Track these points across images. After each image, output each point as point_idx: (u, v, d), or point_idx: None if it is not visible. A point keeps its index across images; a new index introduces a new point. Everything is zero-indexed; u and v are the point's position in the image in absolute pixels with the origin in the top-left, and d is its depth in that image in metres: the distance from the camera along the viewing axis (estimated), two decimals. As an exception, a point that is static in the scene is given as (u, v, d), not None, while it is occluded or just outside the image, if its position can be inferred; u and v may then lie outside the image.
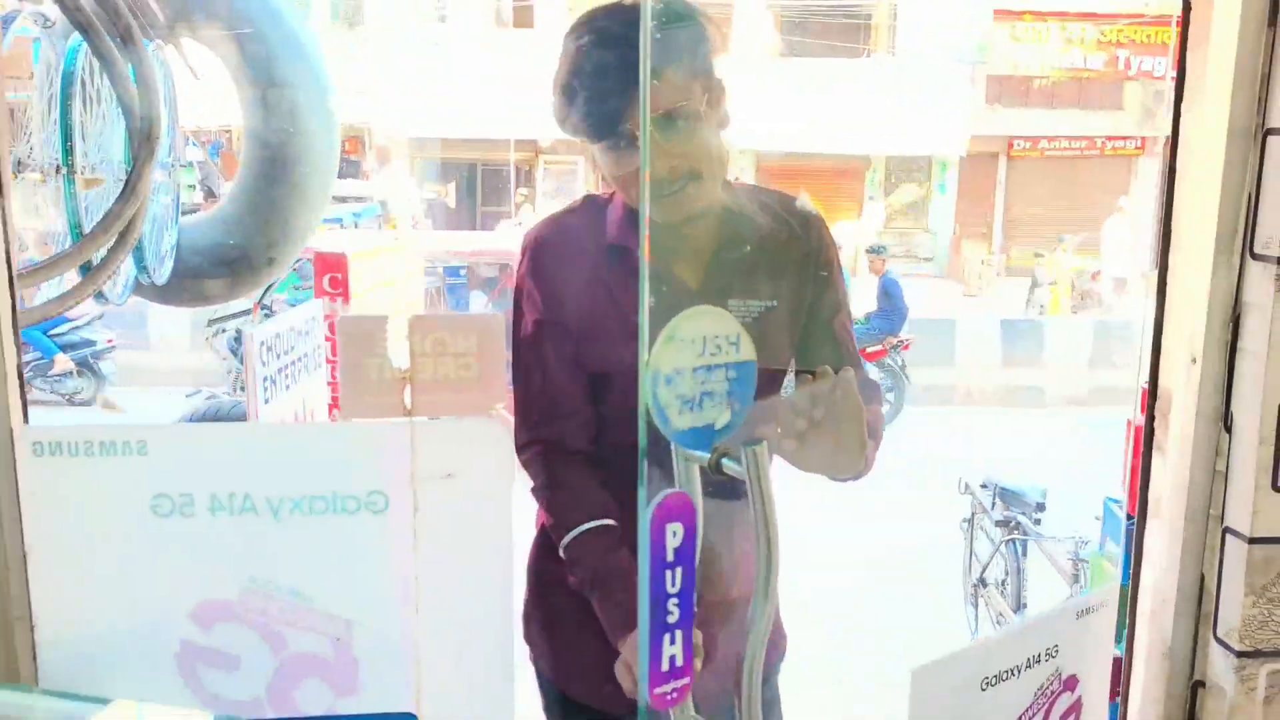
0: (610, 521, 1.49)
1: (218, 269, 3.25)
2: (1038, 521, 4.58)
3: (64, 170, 2.44)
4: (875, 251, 9.36)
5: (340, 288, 3.99)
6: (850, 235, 13.79)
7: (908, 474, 6.70)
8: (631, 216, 1.46)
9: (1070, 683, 1.68)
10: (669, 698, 1.17)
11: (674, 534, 1.15)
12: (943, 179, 17.94)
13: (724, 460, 1.20)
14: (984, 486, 4.89)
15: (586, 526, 1.48)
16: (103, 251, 2.39)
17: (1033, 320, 11.77)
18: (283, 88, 3.35)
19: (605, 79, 1.34)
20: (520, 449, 1.54)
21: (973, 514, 4.96)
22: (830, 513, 6.05)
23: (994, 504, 4.76)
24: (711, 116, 1.40)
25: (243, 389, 6.32)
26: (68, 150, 2.45)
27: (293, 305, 6.36)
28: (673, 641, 1.17)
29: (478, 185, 18.61)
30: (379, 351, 1.59)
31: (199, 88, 3.38)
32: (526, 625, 1.67)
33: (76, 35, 2.52)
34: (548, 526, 1.56)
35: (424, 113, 15.27)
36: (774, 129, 15.90)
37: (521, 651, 1.63)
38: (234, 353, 7.51)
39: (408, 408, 1.76)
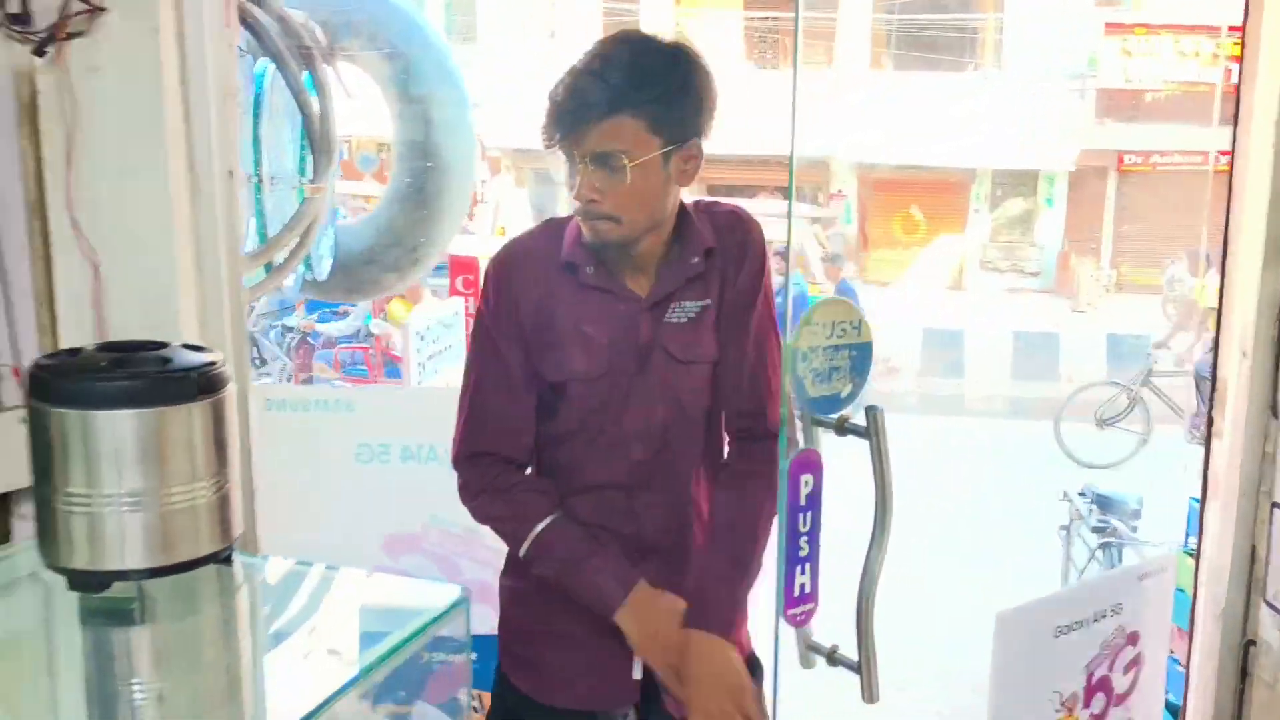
0: (560, 515, 1.55)
1: (370, 267, 3.62)
2: (1134, 529, 4.68)
3: (253, 179, 2.80)
4: (831, 260, 9.58)
5: (472, 288, 4.34)
6: (955, 248, 13.78)
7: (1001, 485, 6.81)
8: (581, 233, 1.55)
9: (1132, 638, 1.87)
10: (798, 618, 1.45)
11: (806, 483, 1.44)
12: (1050, 193, 17.72)
13: (846, 424, 1.48)
14: (1081, 494, 5.00)
15: (545, 523, 1.53)
16: (285, 252, 2.75)
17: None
18: (429, 103, 3.69)
19: (558, 105, 1.44)
20: (463, 459, 1.58)
21: (1070, 520, 5.07)
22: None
23: (1090, 511, 4.87)
24: (663, 172, 1.46)
25: (289, 379, 6.79)
26: (257, 162, 2.81)
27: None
28: (803, 572, 1.45)
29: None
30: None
31: (351, 104, 3.74)
32: (502, 643, 1.68)
33: (264, 60, 2.89)
34: (503, 536, 1.60)
35: (531, 125, 15.72)
36: (878, 142, 15.96)
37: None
38: (280, 345, 8.07)
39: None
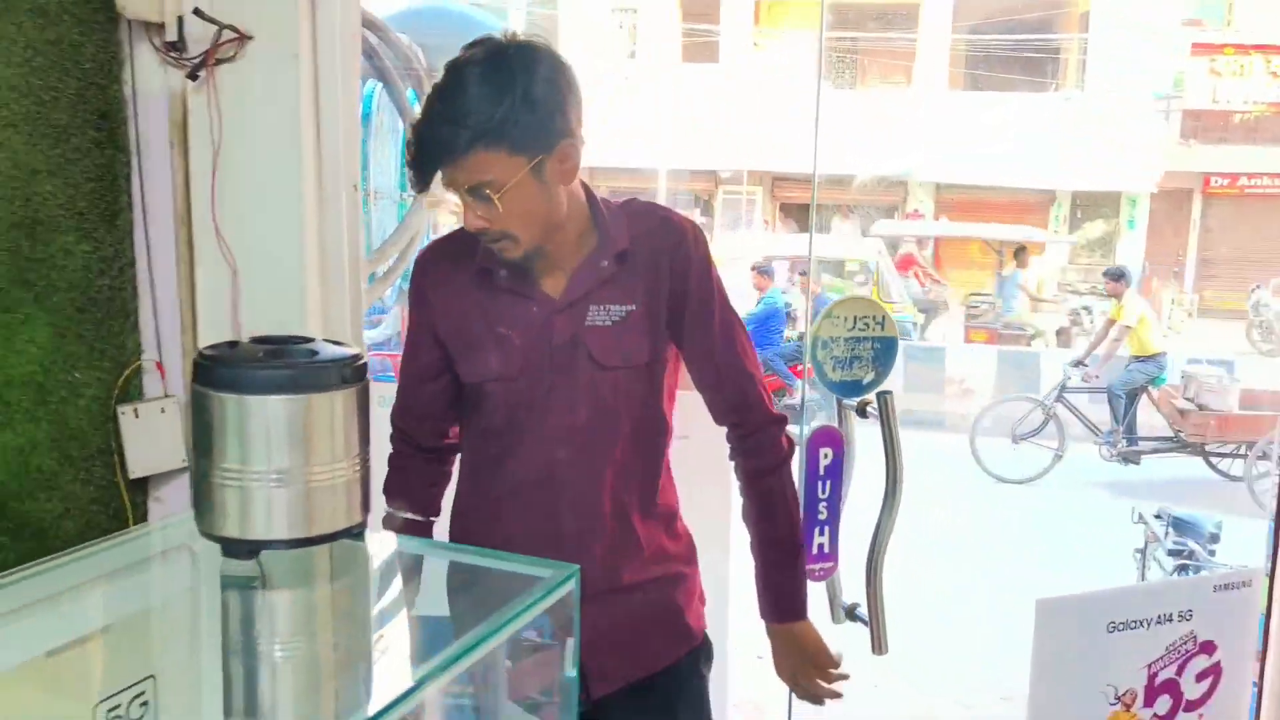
0: (423, 520, 1.69)
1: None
2: (1212, 552, 4.64)
3: (361, 193, 2.98)
4: (761, 271, 9.71)
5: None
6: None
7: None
8: None
9: (1207, 647, 1.93)
10: (817, 574, 1.63)
11: (825, 455, 1.62)
12: (1132, 215, 17.43)
13: (867, 407, 1.65)
14: (1158, 517, 4.97)
15: (404, 515, 1.68)
16: (388, 263, 2.92)
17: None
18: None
19: (427, 148, 1.45)
20: (392, 432, 1.72)
21: (1145, 544, 5.04)
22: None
23: (1166, 533, 4.84)
24: (538, 180, 1.46)
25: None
26: (365, 177, 2.99)
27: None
28: (821, 534, 1.63)
29: (657, 213, 19.19)
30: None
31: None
32: None
33: (372, 80, 3.07)
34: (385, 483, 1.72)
35: (610, 144, 15.97)
36: (955, 162, 15.88)
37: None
38: None
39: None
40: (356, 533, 1.50)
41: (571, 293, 1.56)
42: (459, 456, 1.72)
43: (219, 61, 1.87)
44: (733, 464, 1.67)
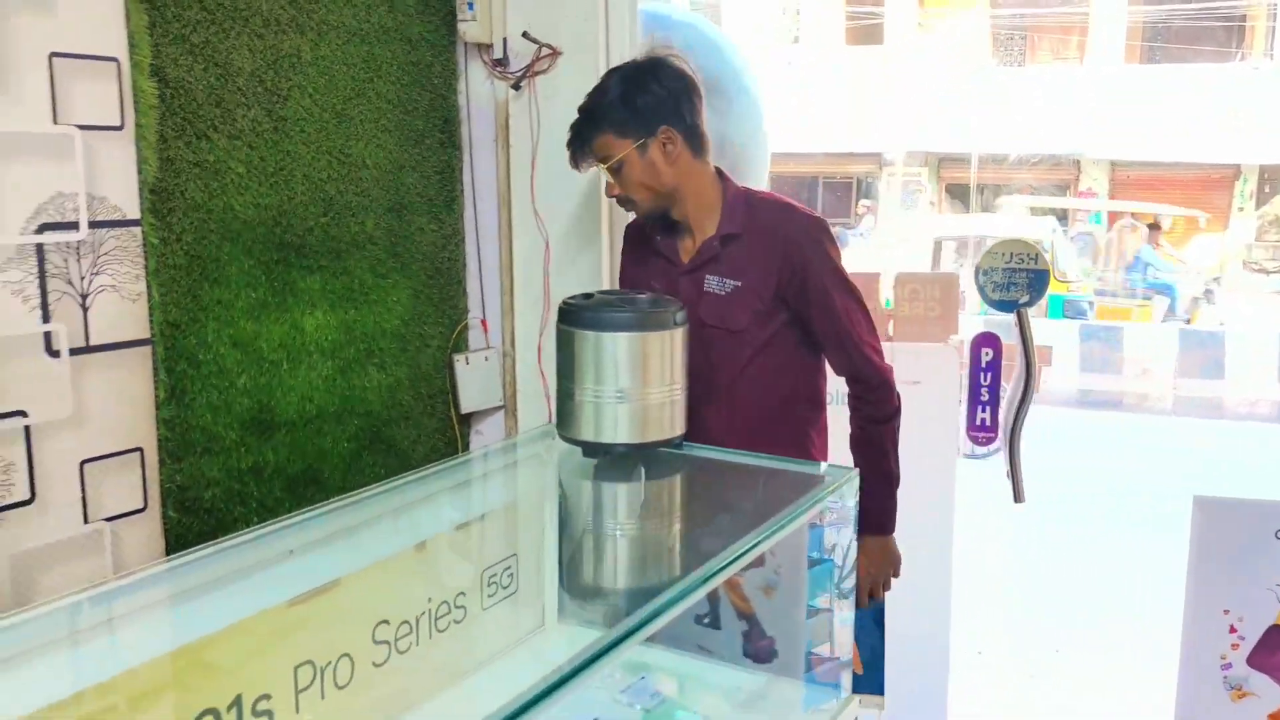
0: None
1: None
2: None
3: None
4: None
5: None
6: (1216, 247, 13.21)
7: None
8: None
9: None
10: (981, 440, 2.38)
11: (986, 354, 2.25)
12: (1326, 189, 16.53)
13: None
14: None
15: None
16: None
17: None
18: (727, 115, 4.22)
19: (573, 140, 1.95)
20: None
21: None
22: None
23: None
24: (645, 159, 1.90)
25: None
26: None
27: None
28: (983, 410, 2.28)
29: (818, 197, 19.29)
30: (874, 296, 2.38)
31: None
32: None
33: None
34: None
35: (777, 129, 16.15)
36: (1130, 139, 15.43)
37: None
38: None
39: (890, 335, 2.56)
40: (677, 443, 1.92)
41: (693, 262, 1.99)
42: None
43: (536, 73, 2.32)
44: (850, 409, 2.03)
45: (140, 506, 1.79)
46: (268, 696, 1.43)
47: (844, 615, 1.97)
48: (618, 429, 1.85)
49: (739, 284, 1.96)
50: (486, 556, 1.93)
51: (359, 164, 2.18)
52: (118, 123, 1.69)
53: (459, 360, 2.45)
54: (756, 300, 1.96)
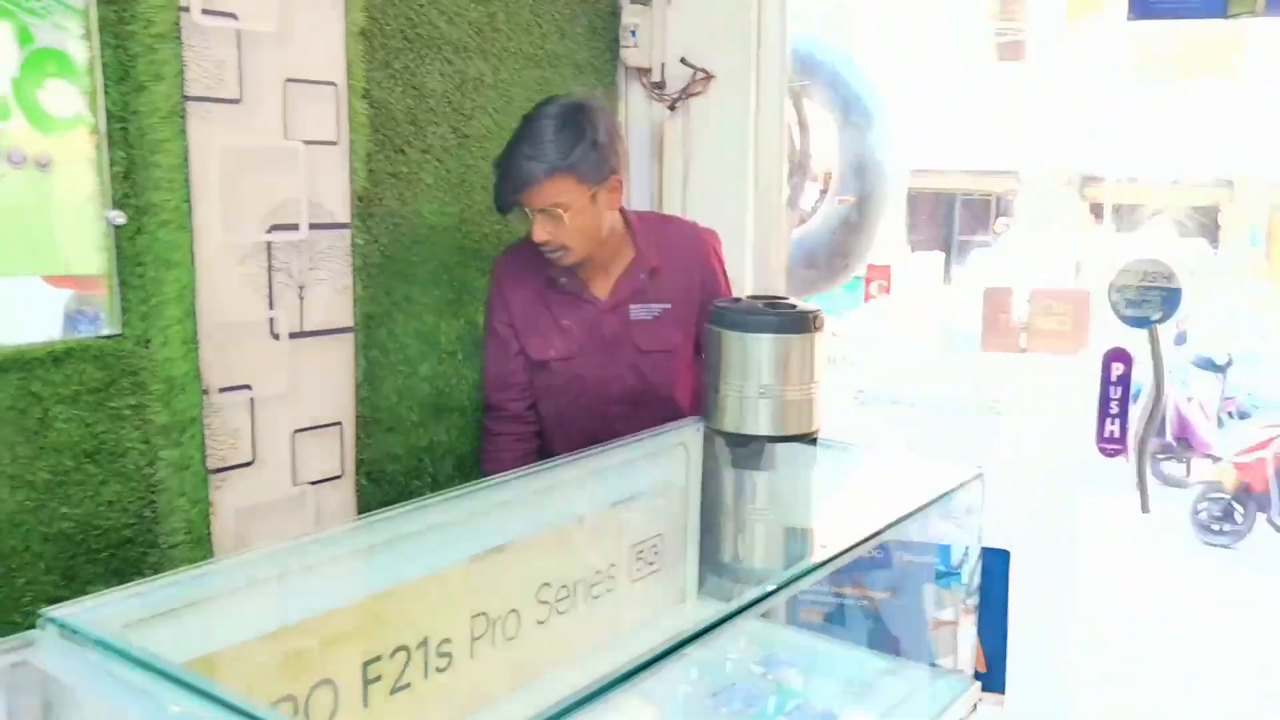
0: None
1: (809, 270, 4.35)
2: None
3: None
4: None
5: (885, 292, 5.04)
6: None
7: None
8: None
9: None
10: (1109, 452, 2.47)
11: (1116, 369, 2.37)
12: None
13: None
14: None
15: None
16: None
17: None
18: (864, 129, 4.36)
19: (501, 175, 1.94)
20: (485, 406, 2.23)
21: None
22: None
23: None
24: (594, 206, 1.94)
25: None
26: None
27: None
28: (1112, 423, 2.43)
29: (955, 214, 19.02)
30: (1006, 310, 2.49)
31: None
32: None
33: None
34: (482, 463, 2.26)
35: (917, 147, 16.04)
36: (1291, 158, 14.74)
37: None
38: None
39: (1022, 347, 2.66)
40: (811, 438, 2.08)
41: (615, 298, 2.09)
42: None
43: (691, 95, 2.51)
44: None
45: (338, 474, 2.05)
46: (448, 640, 1.65)
47: (967, 627, 2.09)
48: (759, 422, 2.02)
49: (667, 306, 2.12)
50: (636, 534, 2.12)
51: (529, 177, 2.41)
52: (334, 138, 1.95)
53: (610, 358, 2.66)
54: (682, 320, 2.14)
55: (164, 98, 1.69)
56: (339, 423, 2.05)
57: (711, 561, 2.18)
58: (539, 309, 2.10)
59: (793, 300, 2.12)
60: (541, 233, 1.93)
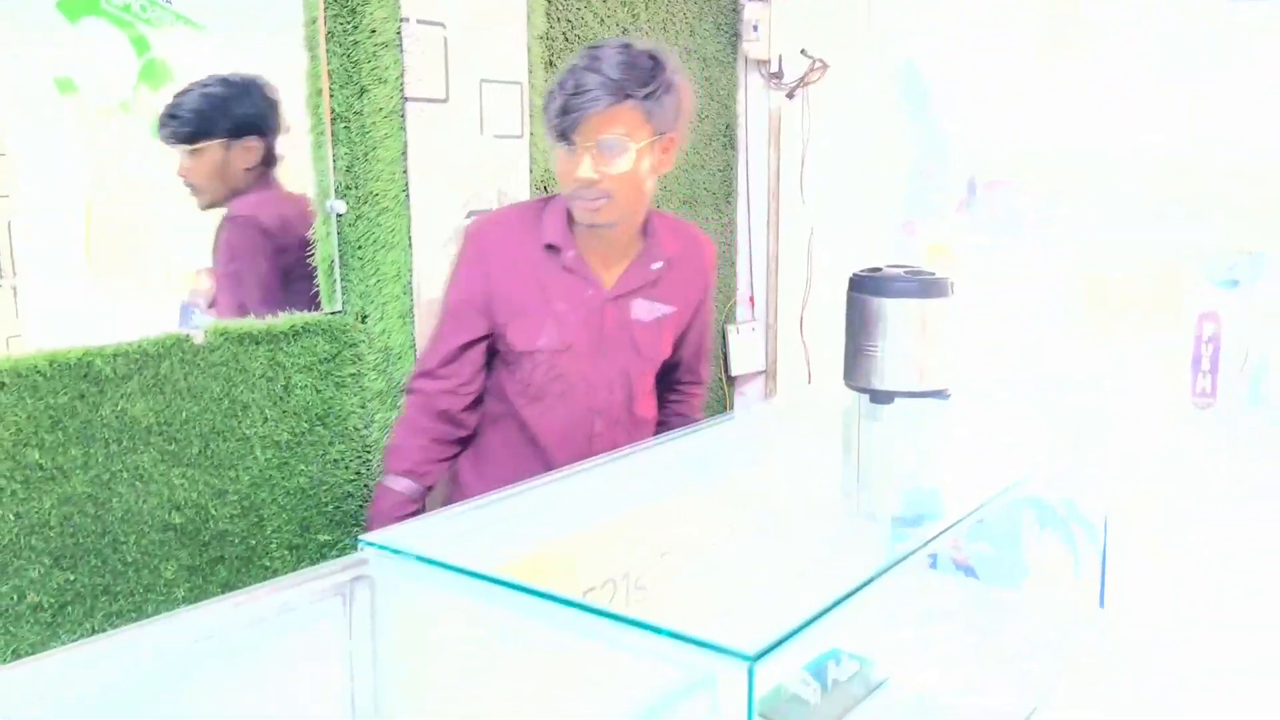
0: (419, 493, 1.84)
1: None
2: None
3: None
4: None
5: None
6: None
7: None
8: (566, 221, 1.77)
9: None
10: (1200, 405, 2.57)
11: (1207, 328, 2.40)
12: None
13: None
14: None
15: (400, 489, 1.82)
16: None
17: None
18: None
19: (568, 96, 1.62)
20: (409, 387, 1.87)
21: None
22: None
23: None
24: (649, 158, 1.68)
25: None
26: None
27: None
28: (1202, 378, 2.61)
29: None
30: (1104, 283, 2.66)
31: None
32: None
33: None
34: (387, 447, 1.90)
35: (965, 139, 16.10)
36: None
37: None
38: None
39: (1118, 315, 2.84)
40: (944, 395, 2.28)
41: (622, 286, 1.79)
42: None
43: (807, 84, 2.72)
44: (675, 406, 2.06)
45: (519, 434, 2.27)
46: (642, 575, 1.87)
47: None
48: (899, 379, 2.23)
49: (670, 310, 1.86)
50: (791, 481, 2.34)
51: (664, 163, 2.63)
52: (519, 132, 2.17)
53: (730, 330, 2.87)
54: (674, 329, 1.91)
55: (386, 98, 1.91)
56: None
57: (854, 510, 2.40)
58: (530, 286, 1.75)
59: (929, 269, 2.33)
60: (594, 169, 1.63)
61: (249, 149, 1.86)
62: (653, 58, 1.67)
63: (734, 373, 2.90)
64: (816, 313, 2.79)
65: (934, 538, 1.68)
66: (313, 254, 1.93)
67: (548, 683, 1.43)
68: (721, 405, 2.92)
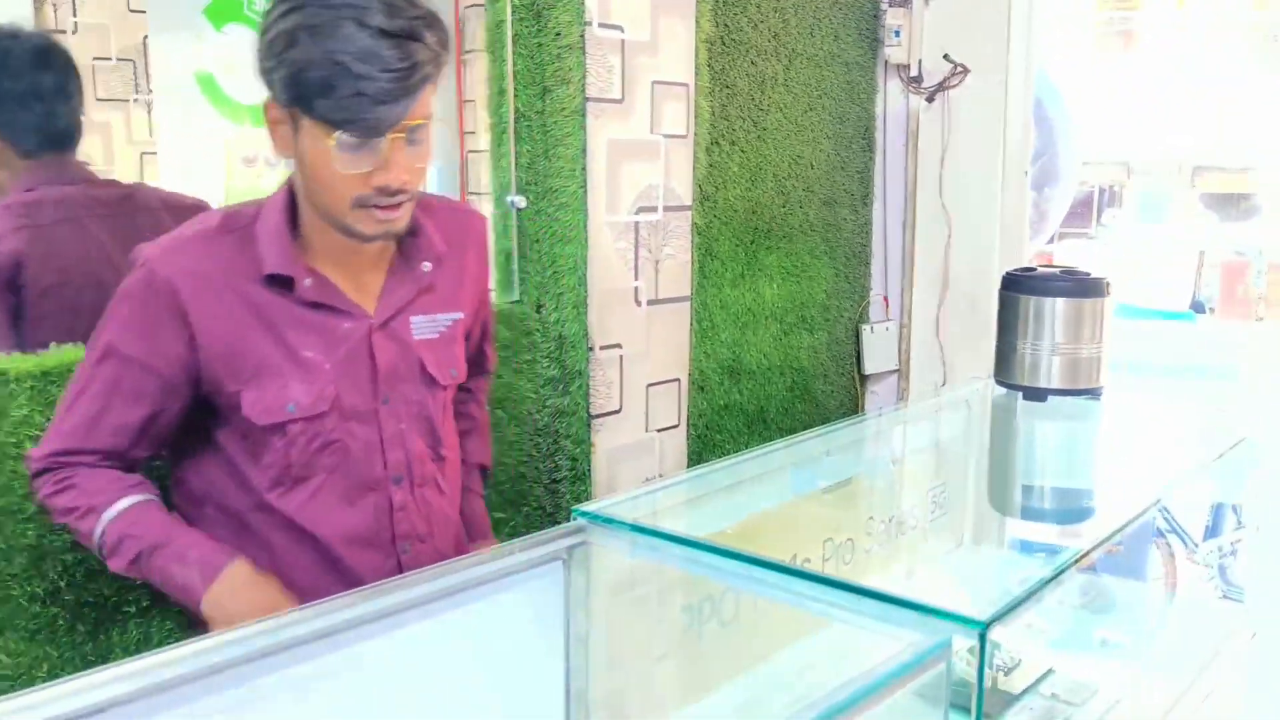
0: (149, 496, 1.29)
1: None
2: None
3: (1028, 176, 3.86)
4: None
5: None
6: None
7: None
8: (294, 241, 1.28)
9: None
10: None
11: None
12: None
13: None
14: None
15: (127, 501, 1.26)
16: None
17: None
18: (1047, 120, 4.55)
19: (403, 75, 1.16)
20: (43, 458, 1.28)
21: None
22: None
23: None
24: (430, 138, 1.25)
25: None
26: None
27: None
28: None
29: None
30: (1244, 281, 2.68)
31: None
32: None
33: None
34: (78, 532, 1.28)
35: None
36: None
37: None
38: None
39: (1260, 316, 2.86)
40: (1097, 393, 2.32)
41: (390, 304, 1.34)
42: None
43: (947, 88, 2.77)
44: (467, 410, 1.58)
45: (675, 423, 2.35)
46: (808, 559, 1.93)
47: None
48: (1052, 376, 2.27)
49: (458, 316, 1.42)
50: (930, 480, 2.39)
51: (807, 165, 2.69)
52: (684, 132, 2.25)
53: (865, 329, 2.92)
54: (465, 332, 1.46)
55: (569, 99, 2.01)
56: (677, 379, 2.35)
57: (998, 508, 2.44)
58: (257, 335, 1.26)
59: (1083, 269, 2.36)
60: (403, 169, 1.22)
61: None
62: (429, 12, 1.21)
63: (867, 371, 2.94)
64: (952, 312, 2.83)
65: (1117, 530, 1.71)
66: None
67: (759, 649, 1.51)
68: (854, 404, 2.97)
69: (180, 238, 1.28)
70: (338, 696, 1.19)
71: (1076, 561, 1.43)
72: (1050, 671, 1.96)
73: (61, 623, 1.49)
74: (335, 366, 1.29)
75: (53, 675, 1.46)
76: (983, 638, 1.19)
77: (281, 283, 1.26)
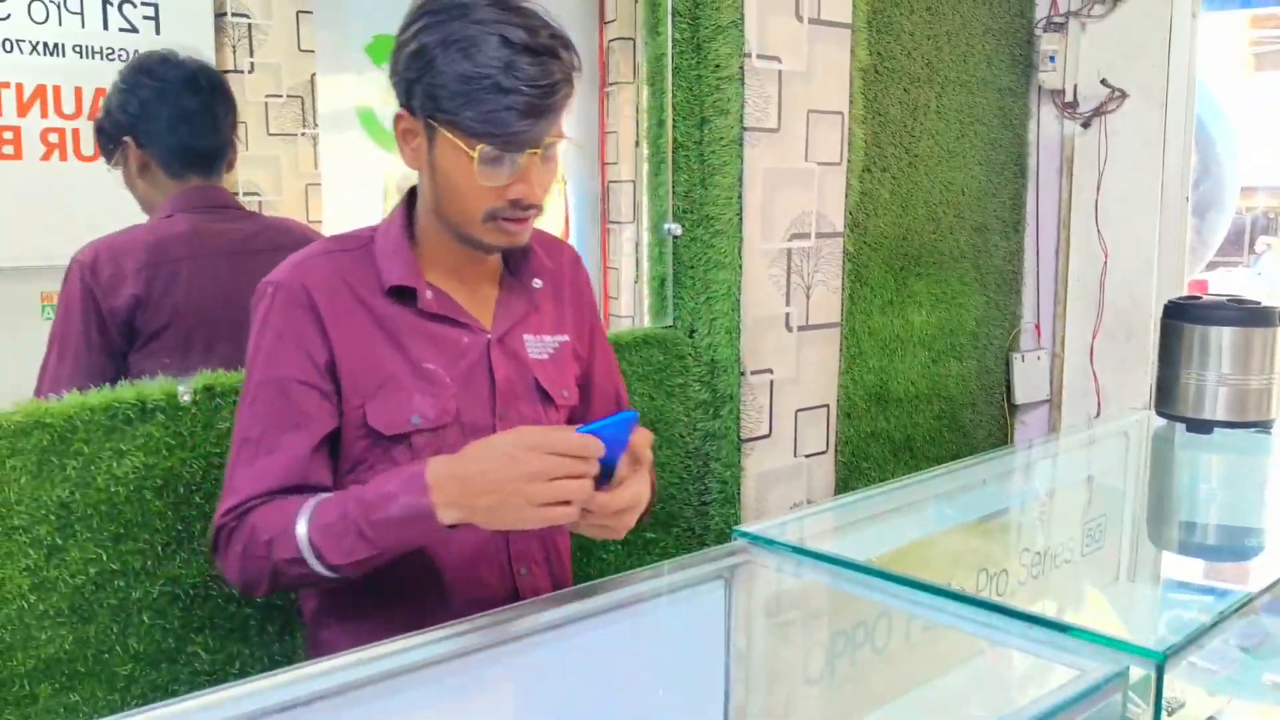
0: (322, 495, 1.21)
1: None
2: None
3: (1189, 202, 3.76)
4: None
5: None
6: None
7: None
8: (410, 251, 1.29)
9: None
10: None
11: None
12: None
13: None
14: None
15: (311, 503, 1.18)
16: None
17: None
18: (1208, 143, 4.40)
19: (547, 88, 1.16)
20: (223, 515, 1.23)
21: None
22: None
23: None
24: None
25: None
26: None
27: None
28: None
29: (1209, 233, 18.01)
30: None
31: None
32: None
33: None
34: (286, 565, 1.17)
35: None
36: None
37: None
38: None
39: None
40: (1267, 426, 2.23)
41: (505, 319, 1.34)
42: None
43: (1104, 113, 2.72)
44: None
45: (823, 449, 2.36)
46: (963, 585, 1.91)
47: None
48: (1218, 408, 2.19)
49: (565, 338, 1.41)
50: (1086, 513, 2.33)
51: (959, 191, 2.67)
52: (838, 160, 2.28)
53: (1015, 358, 2.88)
54: (575, 359, 1.43)
55: (727, 129, 2.06)
56: (826, 405, 2.36)
57: (1156, 544, 2.36)
58: (383, 346, 1.27)
59: (1253, 298, 2.29)
60: (538, 185, 1.22)
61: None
62: (551, 28, 1.21)
63: (1017, 401, 2.89)
64: (1108, 342, 2.76)
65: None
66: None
67: (915, 675, 1.51)
68: (1003, 435, 2.92)
69: (301, 257, 1.29)
70: (508, 701, 1.25)
71: (1256, 598, 1.39)
72: (1220, 715, 1.89)
73: (253, 623, 1.59)
74: (455, 379, 1.29)
75: (244, 672, 1.56)
76: (1160, 669, 1.17)
77: (403, 295, 1.28)
